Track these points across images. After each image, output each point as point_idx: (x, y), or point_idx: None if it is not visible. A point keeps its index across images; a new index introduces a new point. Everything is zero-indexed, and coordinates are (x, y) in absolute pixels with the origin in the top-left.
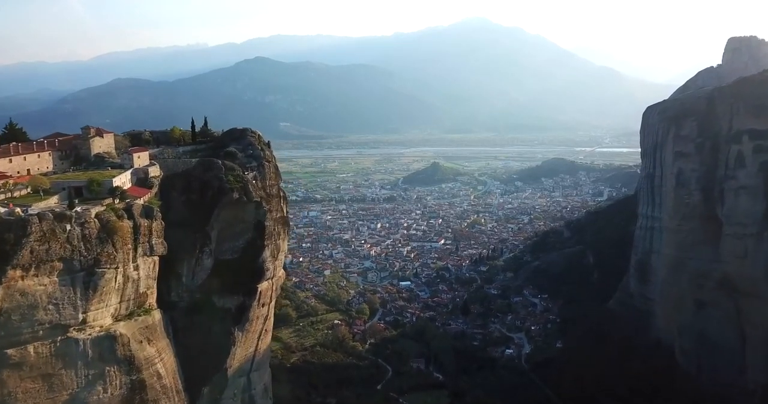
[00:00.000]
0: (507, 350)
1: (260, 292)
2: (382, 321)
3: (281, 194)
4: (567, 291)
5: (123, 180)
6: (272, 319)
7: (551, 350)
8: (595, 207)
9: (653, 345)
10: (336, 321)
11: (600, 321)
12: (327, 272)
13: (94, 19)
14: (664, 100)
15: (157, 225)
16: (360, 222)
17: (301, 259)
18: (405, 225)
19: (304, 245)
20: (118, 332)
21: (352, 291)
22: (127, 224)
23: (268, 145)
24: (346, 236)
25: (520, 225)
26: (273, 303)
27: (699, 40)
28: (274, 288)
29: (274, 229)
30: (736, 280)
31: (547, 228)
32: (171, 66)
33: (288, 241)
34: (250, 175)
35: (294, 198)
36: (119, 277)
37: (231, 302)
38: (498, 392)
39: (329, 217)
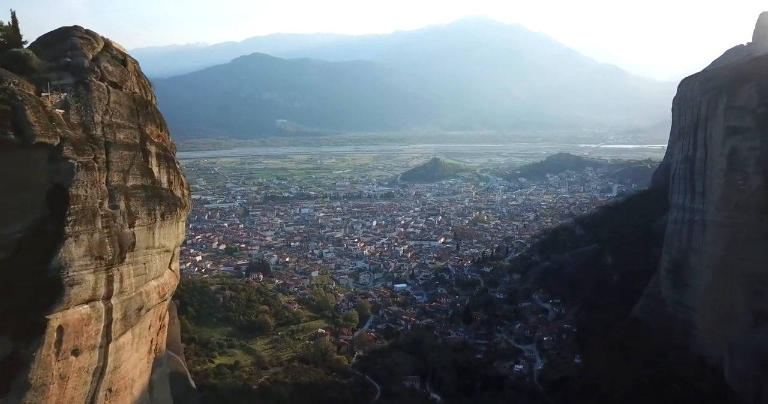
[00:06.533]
0: (516, 365)
1: (61, 329)
2: (373, 330)
3: (153, 150)
4: (583, 296)
5: None
6: (134, 368)
7: (568, 366)
8: (607, 203)
9: (695, 363)
10: (320, 330)
11: (625, 332)
12: (315, 274)
13: (94, 18)
14: (704, 70)
15: None
16: (354, 220)
17: (288, 259)
18: (402, 222)
19: (292, 244)
20: None
21: (341, 295)
22: None
23: (125, 61)
24: (339, 234)
25: (526, 222)
26: (122, 342)
27: (701, 39)
28: (121, 315)
29: (108, 204)
30: None
31: (556, 226)
32: (170, 64)
33: (176, 230)
34: (51, 99)
35: (287, 194)
36: None
37: None
38: None
39: (322, 214)
